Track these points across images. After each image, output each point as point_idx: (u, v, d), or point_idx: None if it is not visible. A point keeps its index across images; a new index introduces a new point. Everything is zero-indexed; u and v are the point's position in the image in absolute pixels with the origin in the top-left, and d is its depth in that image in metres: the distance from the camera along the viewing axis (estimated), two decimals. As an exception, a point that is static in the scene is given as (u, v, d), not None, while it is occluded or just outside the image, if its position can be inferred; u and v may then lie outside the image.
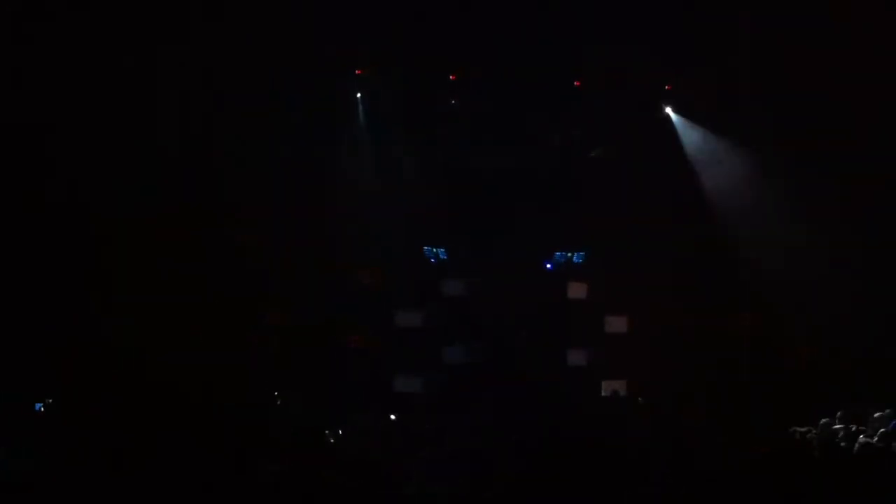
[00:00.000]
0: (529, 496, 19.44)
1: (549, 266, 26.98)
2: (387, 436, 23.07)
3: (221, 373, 23.37)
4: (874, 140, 24.12)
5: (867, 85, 23.50)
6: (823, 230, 24.25)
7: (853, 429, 20.38)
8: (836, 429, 20.60)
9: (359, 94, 26.48)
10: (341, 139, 26.47)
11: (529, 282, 26.61)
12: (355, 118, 26.56)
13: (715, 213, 25.95)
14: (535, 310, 26.39)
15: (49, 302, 24.12)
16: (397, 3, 24.23)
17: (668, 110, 26.36)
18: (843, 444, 19.96)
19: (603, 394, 25.87)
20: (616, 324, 26.20)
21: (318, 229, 26.10)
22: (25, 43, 23.86)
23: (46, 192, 24.25)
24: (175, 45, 23.95)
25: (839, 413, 21.04)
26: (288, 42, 24.27)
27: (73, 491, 19.22)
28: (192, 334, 24.23)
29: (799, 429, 20.80)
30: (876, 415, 20.66)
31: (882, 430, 19.87)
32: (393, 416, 24.11)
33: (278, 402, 24.60)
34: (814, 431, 20.59)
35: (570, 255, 26.93)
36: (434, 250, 27.05)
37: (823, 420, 20.86)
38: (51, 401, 23.33)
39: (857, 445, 19.55)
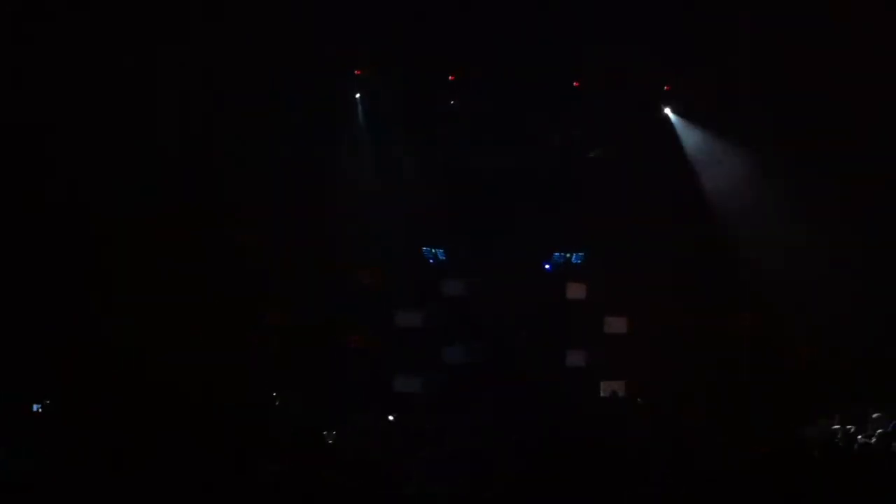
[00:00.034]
0: (529, 496, 19.45)
1: (547, 267, 26.97)
2: (387, 436, 23.09)
3: (221, 373, 23.37)
4: (874, 140, 24.13)
5: (867, 85, 23.50)
6: (823, 230, 24.25)
7: (851, 430, 20.40)
8: (835, 429, 20.62)
9: (358, 95, 26.47)
10: (341, 139, 26.47)
11: (529, 282, 26.60)
12: (355, 118, 26.56)
13: (715, 213, 25.95)
14: (535, 310, 26.38)
15: (49, 302, 24.11)
16: (397, 3, 24.21)
17: (668, 111, 26.35)
18: (840, 444, 19.97)
19: (602, 394, 25.88)
20: (615, 324, 26.21)
21: (318, 229, 26.09)
22: (25, 43, 23.85)
23: (46, 192, 24.24)
24: (175, 45, 23.94)
25: (837, 415, 21.07)
26: (288, 42, 24.26)
27: (73, 491, 19.23)
28: (192, 334, 24.23)
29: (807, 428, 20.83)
30: (874, 415, 20.68)
31: (880, 430, 19.88)
32: (391, 417, 24.14)
33: (277, 403, 24.63)
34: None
35: (568, 255, 26.92)
36: (433, 251, 27.05)
37: (822, 421, 20.89)
38: (48, 401, 23.34)
39: (855, 446, 19.56)
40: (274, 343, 25.88)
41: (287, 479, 19.92)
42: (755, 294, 25.40)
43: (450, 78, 26.34)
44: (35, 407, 23.24)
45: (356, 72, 26.21)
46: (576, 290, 26.57)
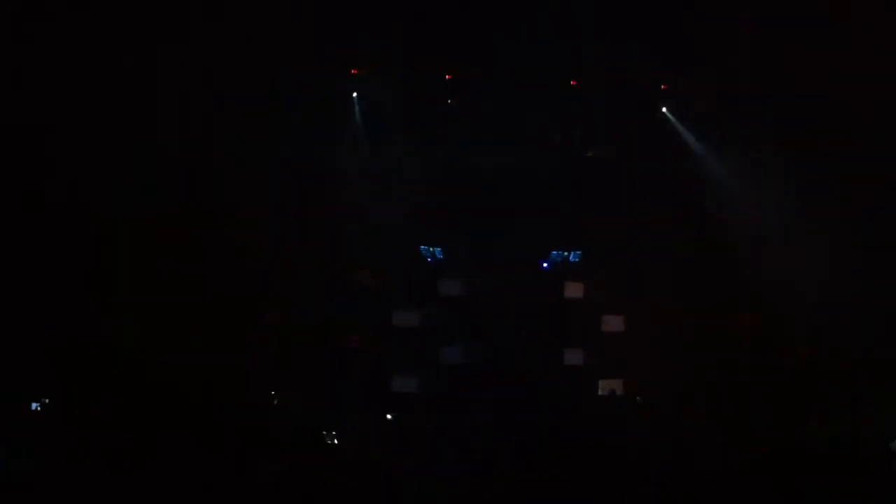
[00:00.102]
0: (529, 496, 19.47)
1: (545, 266, 26.97)
2: (387, 436, 23.12)
3: (221, 373, 23.38)
4: (874, 140, 24.13)
5: (867, 85, 23.50)
6: (823, 230, 24.24)
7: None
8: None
9: (355, 94, 26.46)
10: (341, 139, 26.46)
11: (529, 281, 26.60)
12: (354, 118, 26.56)
13: (715, 213, 25.95)
14: (535, 309, 26.37)
15: (49, 302, 24.10)
16: (396, 3, 24.21)
17: (665, 110, 26.35)
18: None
19: (600, 393, 25.88)
20: (613, 322, 26.19)
21: (317, 229, 26.07)
22: (25, 43, 23.85)
23: (46, 192, 24.23)
24: (175, 45, 23.93)
25: None
26: (287, 42, 24.25)
27: (73, 491, 19.25)
28: (192, 334, 24.22)
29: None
30: None
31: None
32: (391, 416, 24.16)
33: (276, 402, 24.64)
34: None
35: (566, 254, 26.92)
36: (431, 250, 27.04)
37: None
38: (47, 400, 23.35)
39: None
40: (274, 343, 25.86)
41: (287, 479, 19.94)
42: (755, 294, 25.38)
43: (447, 77, 26.33)
44: (34, 406, 23.27)
45: (353, 71, 26.19)
46: (574, 289, 26.57)
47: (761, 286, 25.05)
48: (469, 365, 26.13)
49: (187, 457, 19.94)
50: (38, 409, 23.36)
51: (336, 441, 22.88)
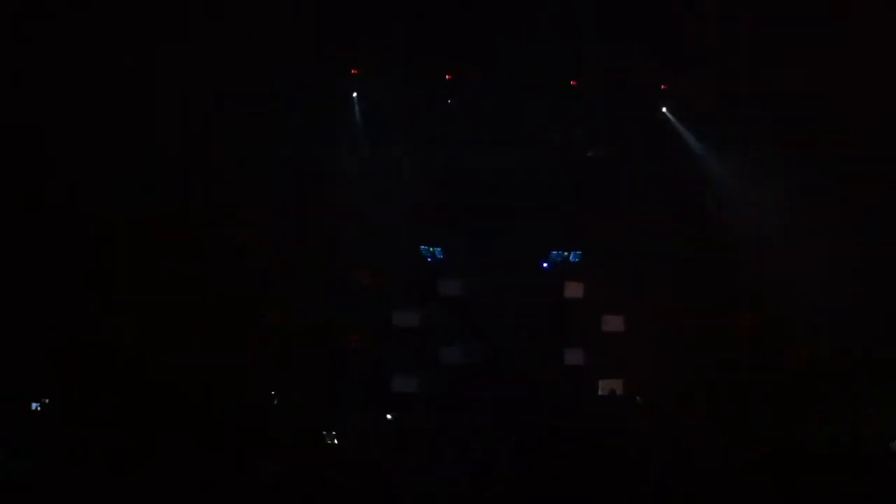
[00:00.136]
0: (529, 496, 19.47)
1: (545, 265, 26.97)
2: (387, 436, 23.12)
3: (221, 373, 23.38)
4: (874, 140, 24.13)
5: (867, 85, 23.51)
6: (823, 230, 24.23)
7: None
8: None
9: (355, 94, 26.47)
10: (341, 139, 26.46)
11: (529, 281, 26.60)
12: (354, 118, 26.56)
13: (715, 213, 25.96)
14: (535, 309, 26.37)
15: (49, 302, 24.10)
16: (396, 3, 24.21)
17: (665, 110, 26.36)
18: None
19: (600, 392, 25.88)
20: (613, 322, 26.19)
21: (317, 229, 26.07)
22: (25, 43, 23.85)
23: (46, 192, 24.23)
24: (175, 45, 23.93)
25: None
26: (288, 42, 24.25)
27: (73, 491, 19.25)
28: (192, 334, 24.22)
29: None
30: None
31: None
32: (389, 416, 24.15)
33: (276, 402, 24.64)
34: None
35: (566, 254, 26.92)
36: (430, 249, 27.05)
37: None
38: (47, 400, 23.35)
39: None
40: (274, 343, 25.86)
41: (287, 479, 19.94)
42: (755, 294, 25.39)
43: (447, 77, 26.33)
44: (34, 406, 23.27)
45: (353, 71, 26.20)
46: (574, 289, 26.57)
47: (761, 286, 25.05)
48: (469, 365, 26.13)
49: (187, 457, 19.94)
50: (38, 409, 23.37)
51: (336, 441, 22.89)
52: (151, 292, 24.23)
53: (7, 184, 24.29)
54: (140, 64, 24.03)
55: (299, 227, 25.90)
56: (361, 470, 20.61)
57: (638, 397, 25.54)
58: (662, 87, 26.22)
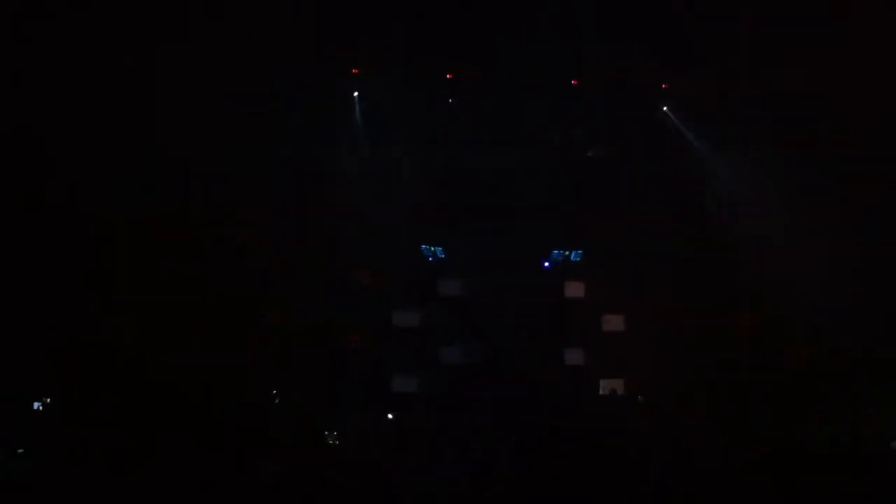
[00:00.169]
0: (529, 496, 19.47)
1: (546, 265, 26.97)
2: (387, 436, 23.12)
3: (221, 373, 23.38)
4: (874, 140, 24.13)
5: (867, 85, 23.50)
6: (823, 230, 24.23)
7: None
8: None
9: (356, 94, 26.47)
10: (341, 139, 26.47)
11: (529, 281, 26.60)
12: (354, 118, 26.57)
13: (715, 213, 25.96)
14: (535, 309, 26.37)
15: (49, 302, 24.10)
16: (397, 3, 24.21)
17: (666, 109, 26.36)
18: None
19: (601, 392, 25.88)
20: (613, 322, 26.19)
21: (318, 229, 26.08)
22: (25, 43, 23.85)
23: (46, 192, 24.23)
24: (175, 45, 23.93)
25: None
26: (288, 42, 24.25)
27: (73, 491, 19.26)
28: (192, 334, 24.22)
29: None
30: None
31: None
32: (390, 416, 24.15)
33: (277, 402, 24.64)
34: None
35: (567, 253, 26.92)
36: (432, 249, 27.05)
37: None
38: (49, 400, 23.35)
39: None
40: (274, 343, 25.86)
41: (287, 479, 19.94)
42: (755, 294, 25.39)
43: (448, 76, 26.33)
44: (36, 405, 23.27)
45: (353, 71, 26.20)
46: (574, 289, 26.57)
47: (761, 286, 25.05)
48: (469, 365, 26.13)
49: (187, 457, 19.94)
50: (40, 408, 23.37)
51: (336, 441, 22.89)
52: (151, 292, 24.23)
53: (7, 184, 24.29)
54: (140, 64, 24.03)
55: (299, 227, 25.91)
56: (361, 470, 20.61)
57: (640, 397, 25.54)
58: (664, 86, 26.22)
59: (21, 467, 20.55)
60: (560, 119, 26.61)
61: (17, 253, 24.13)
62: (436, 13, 24.15)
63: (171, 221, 24.84)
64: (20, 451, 21.04)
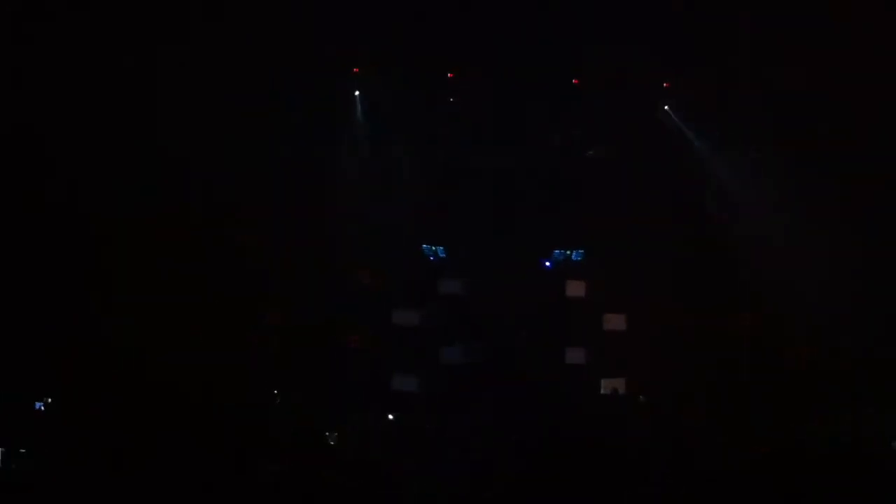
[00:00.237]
0: (529, 496, 19.48)
1: (548, 265, 26.97)
2: (387, 436, 23.12)
3: (221, 373, 23.38)
4: (874, 140, 24.13)
5: (867, 85, 23.50)
6: (823, 230, 24.23)
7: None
8: None
9: (357, 93, 26.47)
10: (341, 139, 26.47)
11: (529, 281, 26.60)
12: (355, 118, 26.57)
13: (715, 213, 25.96)
14: (535, 309, 26.37)
15: (49, 302, 24.11)
16: (397, 3, 24.21)
17: (667, 108, 26.35)
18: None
19: (602, 392, 25.89)
20: (614, 321, 26.19)
21: (318, 229, 26.09)
22: (25, 43, 23.86)
23: (46, 192, 24.24)
24: (175, 45, 23.93)
25: None
26: (288, 42, 24.26)
27: (73, 491, 19.27)
28: (192, 334, 24.23)
29: None
30: None
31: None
32: (391, 416, 24.15)
33: (278, 402, 24.65)
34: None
35: (568, 253, 26.93)
36: (433, 248, 27.06)
37: None
38: (50, 400, 23.36)
39: None
40: (274, 343, 25.87)
41: (287, 479, 19.96)
42: (755, 294, 25.39)
43: (449, 76, 26.32)
44: (38, 405, 23.29)
45: (354, 70, 26.20)
46: (575, 288, 26.57)
47: (761, 286, 25.05)
48: (469, 365, 26.13)
49: (187, 457, 19.96)
50: (42, 408, 23.39)
51: (336, 441, 22.90)
52: (151, 292, 24.24)
53: (7, 184, 24.30)
54: (140, 64, 24.04)
55: (299, 227, 25.92)
56: (361, 470, 20.62)
57: (641, 397, 25.54)
58: (665, 85, 26.21)
59: (21, 467, 20.57)
60: (560, 119, 26.60)
61: (17, 253, 24.14)
62: (436, 13, 24.16)
63: (171, 221, 24.85)
64: (22, 451, 21.06)
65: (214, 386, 22.71)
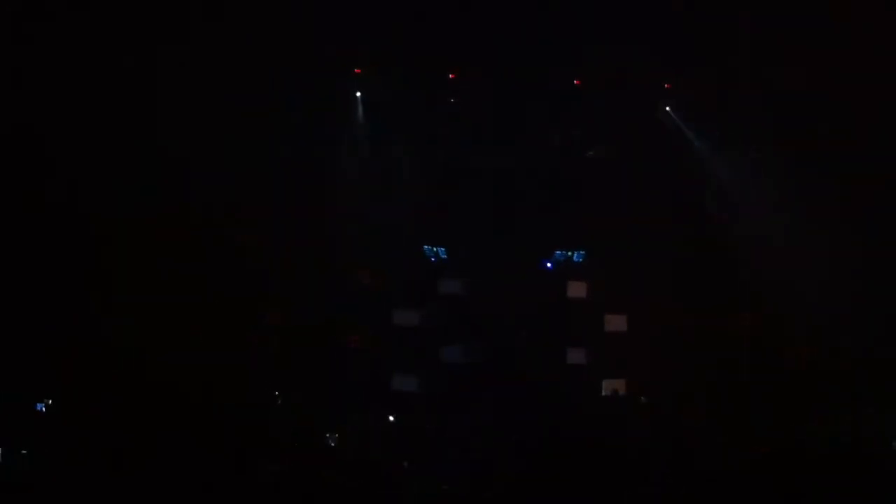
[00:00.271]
0: (529, 496, 19.49)
1: (548, 265, 26.98)
2: (387, 436, 23.13)
3: (221, 373, 23.39)
4: (874, 140, 24.13)
5: (867, 85, 23.50)
6: (823, 230, 24.23)
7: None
8: None
9: (358, 94, 26.48)
10: (341, 139, 26.48)
11: (529, 281, 26.61)
12: (355, 118, 26.57)
13: (715, 213, 25.96)
14: (536, 309, 26.38)
15: (49, 302, 24.11)
16: (397, 3, 24.22)
17: (668, 109, 26.36)
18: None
19: (603, 393, 25.89)
20: (615, 322, 26.20)
21: (318, 229, 26.09)
22: (25, 43, 23.86)
23: (46, 192, 24.24)
24: (175, 45, 23.94)
25: None
26: (288, 42, 24.26)
27: (73, 491, 19.28)
28: (192, 334, 24.23)
29: None
30: None
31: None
32: (391, 417, 24.15)
33: (278, 402, 24.65)
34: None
35: (569, 253, 26.93)
36: (434, 249, 27.06)
37: None
38: (51, 401, 23.37)
39: None
40: (274, 343, 25.87)
41: (287, 479, 19.97)
42: (755, 294, 25.39)
43: (450, 76, 26.33)
44: (39, 406, 23.30)
45: (356, 70, 26.21)
46: (577, 289, 26.57)
47: (761, 286, 25.05)
48: (469, 365, 26.13)
49: (187, 457, 19.97)
50: (43, 409, 23.40)
51: (336, 441, 22.91)
52: (151, 292, 24.25)
53: (7, 184, 24.30)
54: (140, 64, 24.04)
55: (299, 227, 25.92)
56: (361, 470, 20.63)
57: (642, 397, 25.54)
58: (666, 85, 26.21)
59: (21, 467, 20.57)
60: (560, 119, 26.60)
61: (17, 253, 24.14)
62: (436, 13, 24.15)
63: (171, 221, 24.85)
64: (23, 451, 21.07)
65: (214, 386, 22.73)
